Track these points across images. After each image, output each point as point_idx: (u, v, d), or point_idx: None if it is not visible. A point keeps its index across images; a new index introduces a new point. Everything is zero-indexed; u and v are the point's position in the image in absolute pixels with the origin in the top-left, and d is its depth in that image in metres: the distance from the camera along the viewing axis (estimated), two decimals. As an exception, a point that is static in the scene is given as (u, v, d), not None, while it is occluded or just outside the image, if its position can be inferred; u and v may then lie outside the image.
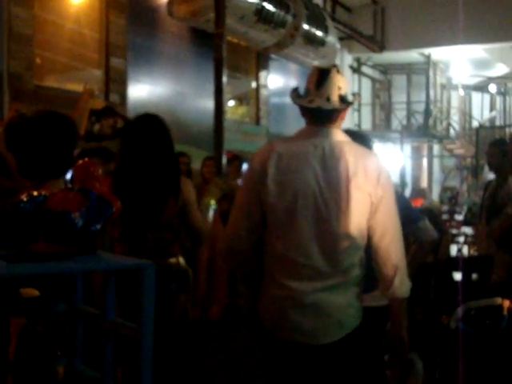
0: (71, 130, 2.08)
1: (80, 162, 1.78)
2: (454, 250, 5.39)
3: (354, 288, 2.37)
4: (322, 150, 2.36)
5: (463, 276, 4.76)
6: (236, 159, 7.13)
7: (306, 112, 2.43)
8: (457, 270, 4.71)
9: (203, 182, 5.99)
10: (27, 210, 1.63)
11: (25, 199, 1.65)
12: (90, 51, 7.14)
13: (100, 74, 7.22)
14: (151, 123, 3.08)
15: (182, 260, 3.08)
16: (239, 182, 5.68)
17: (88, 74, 7.20)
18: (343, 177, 2.30)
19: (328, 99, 2.34)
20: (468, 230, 6.76)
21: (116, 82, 7.32)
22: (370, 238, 2.38)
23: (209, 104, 8.14)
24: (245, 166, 8.94)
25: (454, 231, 6.59)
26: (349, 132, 2.59)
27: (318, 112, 2.36)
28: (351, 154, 2.36)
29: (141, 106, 7.56)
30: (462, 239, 5.69)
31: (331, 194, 2.30)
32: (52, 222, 1.61)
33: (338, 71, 2.39)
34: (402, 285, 2.35)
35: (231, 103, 10.13)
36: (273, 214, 2.33)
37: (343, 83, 2.40)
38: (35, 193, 1.66)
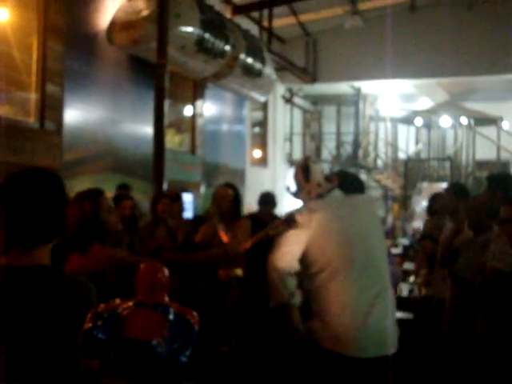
0: (62, 188, 1.82)
1: (143, 265, 1.52)
2: (404, 289, 5.44)
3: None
4: (350, 207, 3.20)
5: (416, 316, 4.83)
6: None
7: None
8: (408, 310, 4.77)
9: (156, 220, 5.47)
10: (101, 338, 1.35)
11: (97, 324, 1.36)
12: (26, 76, 6.88)
13: (35, 100, 6.96)
14: None
15: None
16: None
17: (23, 100, 6.93)
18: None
19: (319, 185, 3.14)
20: (409, 265, 6.85)
21: (52, 109, 7.07)
22: None
23: (146, 132, 8.01)
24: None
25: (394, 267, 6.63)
26: (342, 173, 3.71)
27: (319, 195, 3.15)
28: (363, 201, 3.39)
29: (77, 134, 7.37)
30: (412, 278, 5.75)
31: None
32: (131, 353, 1.34)
33: (313, 161, 3.27)
34: None
35: (167, 131, 10.01)
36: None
37: (320, 168, 3.24)
38: (100, 308, 1.41)
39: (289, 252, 3.01)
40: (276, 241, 3.11)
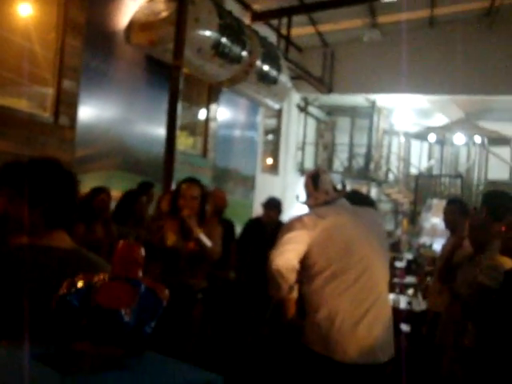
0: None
1: (120, 243, 1.64)
2: (403, 301, 5.46)
3: None
4: (356, 216, 3.29)
5: (411, 329, 4.84)
6: None
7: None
8: (405, 322, 4.78)
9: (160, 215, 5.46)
10: (74, 304, 1.48)
11: (71, 291, 1.49)
12: (43, 71, 6.97)
13: (51, 95, 7.05)
14: None
15: None
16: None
17: (39, 94, 7.02)
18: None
19: (326, 193, 3.29)
20: (411, 279, 6.88)
21: (66, 104, 7.15)
22: None
23: (159, 133, 8.07)
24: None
25: (396, 280, 6.67)
26: (354, 191, 4.14)
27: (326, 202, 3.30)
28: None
29: (90, 131, 7.45)
30: (411, 291, 5.79)
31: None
32: (100, 320, 1.45)
33: (323, 171, 3.47)
34: None
35: (179, 133, 10.08)
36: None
37: (330, 178, 3.38)
38: (79, 283, 1.53)
39: (289, 250, 3.11)
40: (277, 240, 3.19)
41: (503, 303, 2.88)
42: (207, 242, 4.41)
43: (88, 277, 1.55)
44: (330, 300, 3.02)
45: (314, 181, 3.35)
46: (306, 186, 3.39)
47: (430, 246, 10.01)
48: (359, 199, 3.57)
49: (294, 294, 3.22)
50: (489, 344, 3.02)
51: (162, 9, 7.68)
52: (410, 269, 7.77)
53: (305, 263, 3.13)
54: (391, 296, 5.62)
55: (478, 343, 3.16)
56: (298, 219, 3.22)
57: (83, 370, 1.40)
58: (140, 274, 1.57)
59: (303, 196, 3.41)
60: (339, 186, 3.35)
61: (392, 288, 6.07)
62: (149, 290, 1.55)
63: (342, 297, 3.01)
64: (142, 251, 1.61)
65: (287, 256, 3.09)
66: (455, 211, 4.66)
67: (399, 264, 7.65)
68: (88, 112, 7.43)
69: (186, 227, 4.41)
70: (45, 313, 1.59)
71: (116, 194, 6.21)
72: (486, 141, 16.02)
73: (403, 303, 5.40)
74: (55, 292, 1.56)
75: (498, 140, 16.07)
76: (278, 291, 3.15)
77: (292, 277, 3.12)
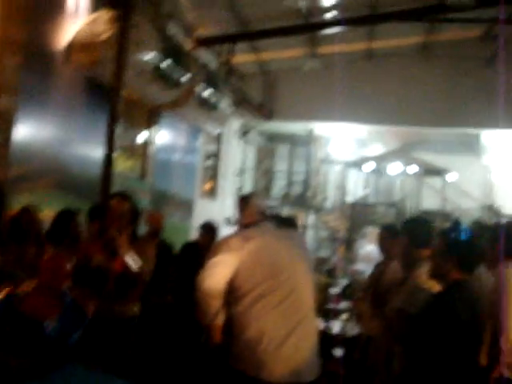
0: None
1: (49, 254, 1.62)
2: (336, 326, 5.55)
3: None
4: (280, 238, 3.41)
5: (344, 353, 4.90)
6: None
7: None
8: (338, 346, 4.85)
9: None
10: None
11: None
12: (-22, 87, 6.82)
13: (-15, 112, 6.89)
14: None
15: None
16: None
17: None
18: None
19: (251, 215, 3.38)
20: (346, 304, 6.98)
21: (1, 121, 7.00)
22: None
23: (96, 154, 7.97)
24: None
25: (331, 305, 6.76)
26: (280, 215, 4.09)
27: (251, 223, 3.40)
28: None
29: (25, 149, 7.30)
30: (345, 316, 5.90)
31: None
32: (22, 331, 1.43)
33: (255, 196, 3.66)
34: None
35: (118, 155, 9.97)
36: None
37: (260, 203, 3.52)
38: (3, 292, 1.49)
39: (215, 274, 3.15)
40: (206, 263, 3.22)
41: (427, 327, 2.95)
42: (133, 262, 4.05)
43: (12, 285, 1.54)
44: (257, 321, 3.06)
45: (243, 203, 3.50)
46: (237, 207, 3.52)
47: (363, 272, 10.17)
48: (283, 222, 3.71)
49: (219, 321, 3.23)
50: (414, 367, 3.09)
51: (104, 30, 7.66)
52: (344, 294, 7.89)
53: (232, 285, 3.17)
54: (325, 322, 5.70)
55: (405, 367, 3.23)
56: (225, 242, 3.29)
57: (3, 380, 1.37)
58: (65, 285, 1.56)
59: (235, 217, 3.52)
60: (264, 211, 3.49)
61: (326, 313, 6.15)
62: (74, 301, 1.55)
63: (268, 317, 3.05)
64: (69, 263, 1.60)
65: (214, 279, 3.13)
66: (387, 236, 4.78)
67: (334, 290, 7.75)
68: (24, 130, 7.29)
69: (113, 246, 4.06)
70: None
71: (51, 214, 6.09)
72: (420, 171, 16.42)
73: (337, 328, 5.48)
74: None
75: (431, 171, 16.50)
76: (205, 316, 3.20)
77: (218, 301, 3.17)
